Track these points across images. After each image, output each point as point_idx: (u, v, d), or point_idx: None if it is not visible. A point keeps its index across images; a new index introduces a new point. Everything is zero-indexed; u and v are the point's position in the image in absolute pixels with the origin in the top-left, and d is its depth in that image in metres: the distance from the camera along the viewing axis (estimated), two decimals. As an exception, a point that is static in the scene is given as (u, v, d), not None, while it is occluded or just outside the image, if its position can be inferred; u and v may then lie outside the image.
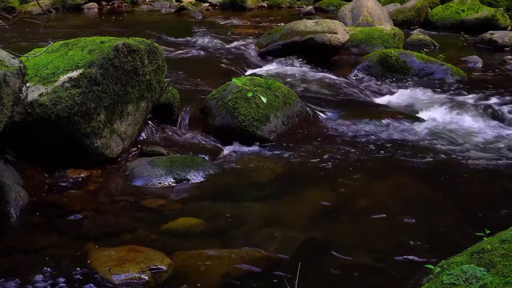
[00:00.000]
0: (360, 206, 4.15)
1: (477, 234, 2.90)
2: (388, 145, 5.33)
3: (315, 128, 5.75)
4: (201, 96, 6.11)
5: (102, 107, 4.48)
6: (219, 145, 5.22)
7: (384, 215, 3.98)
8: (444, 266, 2.60)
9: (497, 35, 10.14)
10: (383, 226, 3.84)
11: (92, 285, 3.08)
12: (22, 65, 4.09)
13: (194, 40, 9.75)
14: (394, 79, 7.52)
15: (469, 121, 6.02)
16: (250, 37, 9.92)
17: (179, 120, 5.58)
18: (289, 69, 7.83)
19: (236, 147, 5.16)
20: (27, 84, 4.26)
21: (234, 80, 5.19)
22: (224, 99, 5.47)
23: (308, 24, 8.31)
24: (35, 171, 4.34)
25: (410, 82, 7.44)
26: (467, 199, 4.31)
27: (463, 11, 11.73)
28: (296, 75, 7.56)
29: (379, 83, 7.48)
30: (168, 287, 3.11)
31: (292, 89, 6.03)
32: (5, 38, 8.51)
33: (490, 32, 10.41)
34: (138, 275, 3.13)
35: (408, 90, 7.14)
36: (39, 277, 3.13)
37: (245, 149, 5.13)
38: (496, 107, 6.40)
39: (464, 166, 4.83)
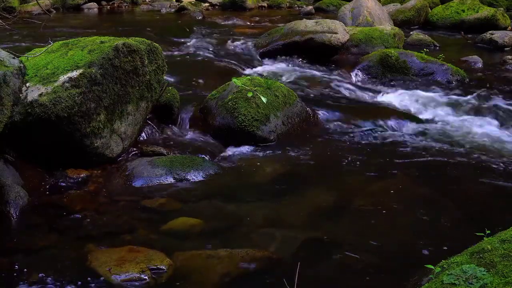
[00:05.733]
0: (360, 206, 4.15)
1: (477, 234, 2.90)
2: (388, 145, 5.33)
3: (315, 128, 5.75)
4: (201, 96, 6.11)
5: (102, 107, 4.48)
6: (219, 145, 5.22)
7: (384, 215, 3.98)
8: (444, 266, 2.60)
9: (497, 35, 10.14)
10: (383, 226, 3.84)
11: (92, 285, 3.08)
12: (22, 65, 4.09)
13: (194, 40, 9.74)
14: (394, 79, 7.51)
15: (469, 121, 6.02)
16: (250, 37, 9.91)
17: (179, 120, 5.57)
18: (289, 69, 7.82)
19: (236, 147, 5.16)
20: (27, 84, 4.26)
21: (234, 80, 5.21)
22: (224, 99, 5.47)
23: (308, 24, 8.31)
24: (35, 171, 4.34)
25: (410, 82, 7.43)
26: (467, 199, 4.31)
27: (463, 11, 11.73)
28: (296, 75, 7.56)
29: (379, 83, 7.47)
30: (168, 287, 3.11)
31: (292, 89, 6.03)
32: (5, 38, 8.51)
33: (490, 32, 10.40)
34: (138, 275, 3.13)
35: (408, 90, 7.14)
36: (39, 277, 3.13)
37: (245, 149, 5.13)
38: (496, 107, 6.40)
39: (464, 166, 4.83)
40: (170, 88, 5.54)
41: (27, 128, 4.20)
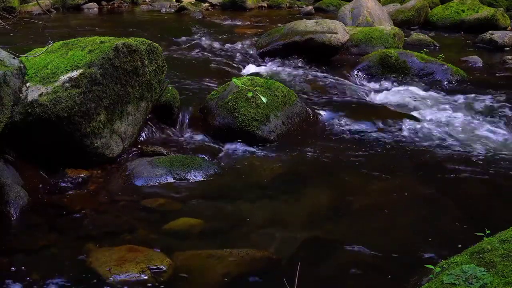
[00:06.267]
0: (360, 206, 4.15)
1: (477, 234, 2.90)
2: (388, 145, 5.33)
3: (315, 128, 5.75)
4: (201, 96, 6.11)
5: (102, 107, 4.48)
6: (219, 145, 5.22)
7: (384, 215, 3.99)
8: (444, 266, 2.60)
9: (497, 35, 10.14)
10: (383, 226, 3.84)
11: (92, 285, 3.08)
12: (22, 65, 4.09)
13: (194, 40, 9.74)
14: (394, 79, 7.52)
15: (469, 121, 6.03)
16: (250, 37, 9.91)
17: (179, 120, 5.58)
18: (289, 69, 7.83)
19: (236, 147, 5.16)
20: (27, 84, 4.26)
21: (234, 80, 5.21)
22: (224, 99, 5.47)
23: (308, 24, 8.31)
24: (35, 171, 4.34)
25: (410, 82, 7.44)
26: (467, 199, 4.31)
27: (463, 11, 11.73)
28: (296, 75, 7.56)
29: (379, 83, 7.48)
30: (168, 287, 3.11)
31: (292, 89, 6.03)
32: (5, 38, 8.51)
33: (490, 32, 10.41)
34: (138, 275, 3.13)
35: (408, 90, 7.14)
36: (39, 277, 3.13)
37: (245, 149, 5.13)
38: (496, 107, 6.40)
39: (464, 166, 4.83)
40: (170, 88, 5.55)
41: (27, 128, 4.20)
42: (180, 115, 5.61)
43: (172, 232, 3.70)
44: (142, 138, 5.15)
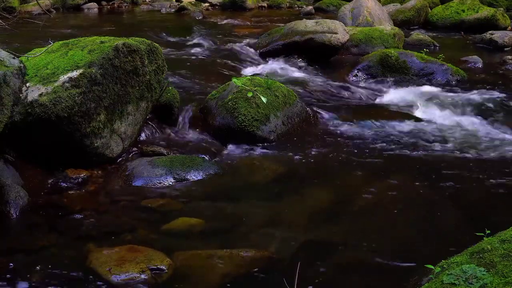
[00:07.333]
0: (360, 206, 4.15)
1: (477, 234, 2.90)
2: (388, 145, 5.33)
3: (315, 128, 5.75)
4: (201, 96, 6.11)
5: (102, 107, 4.48)
6: (219, 145, 5.22)
7: (384, 215, 3.99)
8: (444, 266, 2.61)
9: (497, 35, 10.13)
10: (383, 226, 3.84)
11: (92, 285, 3.08)
12: (22, 65, 4.09)
13: (194, 40, 9.74)
14: (394, 79, 7.51)
15: (469, 121, 6.02)
16: (250, 37, 9.91)
17: (179, 120, 5.58)
18: (289, 69, 7.82)
19: (236, 147, 5.16)
20: (27, 84, 4.26)
21: (234, 80, 5.22)
22: (224, 99, 5.47)
23: (308, 24, 8.31)
24: (35, 171, 4.34)
25: (410, 82, 7.43)
26: (467, 199, 4.31)
27: (463, 11, 11.73)
28: (296, 75, 7.56)
29: (379, 83, 7.47)
30: (168, 287, 3.11)
31: (292, 89, 6.03)
32: (5, 38, 8.51)
33: (490, 32, 10.40)
34: (138, 275, 3.13)
35: (408, 90, 7.14)
36: (39, 277, 3.13)
37: (245, 149, 5.13)
38: (496, 107, 6.40)
39: (464, 166, 4.83)
40: (170, 88, 5.55)
41: (27, 128, 4.20)
42: (180, 115, 5.61)
43: (172, 232, 3.70)
44: (142, 138, 5.14)
